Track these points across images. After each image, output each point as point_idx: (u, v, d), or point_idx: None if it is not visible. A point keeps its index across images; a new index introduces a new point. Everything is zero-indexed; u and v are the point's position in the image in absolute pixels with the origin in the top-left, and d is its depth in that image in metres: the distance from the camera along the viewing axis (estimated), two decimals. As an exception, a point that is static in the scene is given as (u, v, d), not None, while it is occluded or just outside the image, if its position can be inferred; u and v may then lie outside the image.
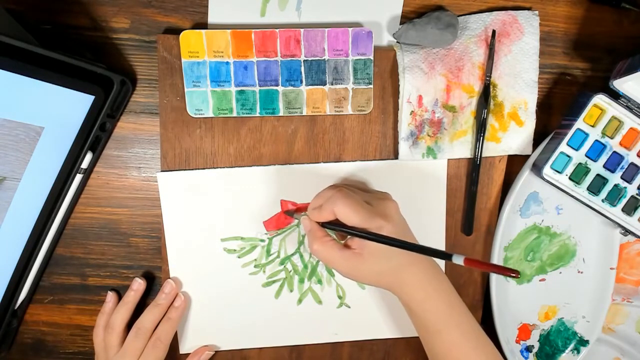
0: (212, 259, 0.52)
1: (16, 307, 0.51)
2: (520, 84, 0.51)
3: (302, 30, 0.48)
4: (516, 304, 0.55)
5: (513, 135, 0.51)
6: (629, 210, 0.50)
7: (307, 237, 0.45)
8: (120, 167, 0.51)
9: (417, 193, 0.52)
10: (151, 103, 0.50)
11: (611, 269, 0.55)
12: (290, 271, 0.53)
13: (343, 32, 0.48)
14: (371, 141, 0.52)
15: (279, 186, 0.51)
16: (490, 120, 0.51)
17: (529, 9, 0.51)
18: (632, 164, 0.50)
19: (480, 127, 0.50)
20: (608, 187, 0.50)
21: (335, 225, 0.44)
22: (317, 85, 0.50)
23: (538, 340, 0.57)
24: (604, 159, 0.50)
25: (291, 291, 0.53)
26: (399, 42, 0.50)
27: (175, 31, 0.49)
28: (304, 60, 0.49)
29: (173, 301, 0.51)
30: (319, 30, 0.48)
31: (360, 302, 0.54)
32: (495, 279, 0.53)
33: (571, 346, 0.57)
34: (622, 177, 0.50)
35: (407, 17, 0.50)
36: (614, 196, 0.50)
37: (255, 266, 0.52)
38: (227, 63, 0.48)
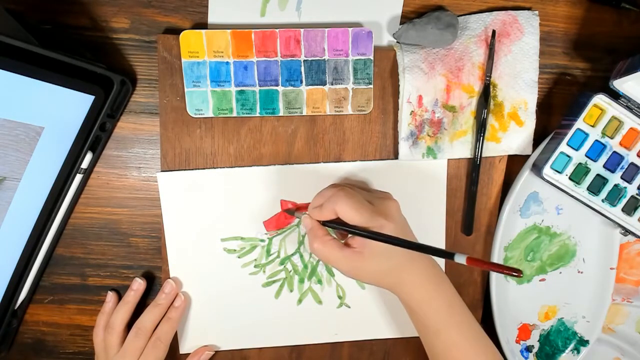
0: (212, 259, 0.52)
1: (16, 307, 0.51)
2: (520, 84, 0.51)
3: (302, 30, 0.48)
4: (516, 304, 0.55)
5: (513, 135, 0.51)
6: (629, 210, 0.50)
7: (307, 236, 0.45)
8: (120, 167, 0.51)
9: (417, 193, 0.52)
10: (151, 103, 0.50)
11: (611, 269, 0.55)
12: (290, 271, 0.53)
13: (343, 32, 0.48)
14: (371, 141, 0.52)
15: (279, 186, 0.51)
16: (490, 120, 0.51)
17: (529, 9, 0.51)
18: (632, 164, 0.50)
19: (480, 127, 0.50)
20: (608, 187, 0.50)
21: (336, 224, 0.43)
22: (317, 85, 0.50)
23: (538, 340, 0.57)
24: (604, 159, 0.50)
25: (291, 291, 0.53)
26: (399, 42, 0.50)
27: (175, 31, 0.49)
28: (304, 60, 0.49)
29: (173, 301, 0.51)
30: (319, 30, 0.48)
31: (360, 302, 0.54)
32: (495, 278, 0.53)
33: (571, 346, 0.57)
34: (622, 177, 0.50)
35: (407, 17, 0.50)
36: (614, 196, 0.50)
37: (255, 266, 0.52)
38: (227, 63, 0.48)
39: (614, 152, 0.49)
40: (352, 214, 0.42)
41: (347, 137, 0.51)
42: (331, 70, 0.49)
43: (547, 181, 0.49)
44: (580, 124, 0.49)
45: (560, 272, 0.56)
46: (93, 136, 0.48)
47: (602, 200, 0.50)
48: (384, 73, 0.51)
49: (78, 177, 0.49)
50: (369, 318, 0.55)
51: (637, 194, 0.50)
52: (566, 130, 0.49)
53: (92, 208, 0.52)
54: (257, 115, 0.50)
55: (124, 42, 0.49)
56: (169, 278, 0.52)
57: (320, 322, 0.54)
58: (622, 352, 0.56)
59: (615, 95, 0.48)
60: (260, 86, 0.49)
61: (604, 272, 0.56)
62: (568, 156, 0.49)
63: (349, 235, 0.44)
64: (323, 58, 0.49)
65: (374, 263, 0.43)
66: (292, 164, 0.51)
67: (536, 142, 0.51)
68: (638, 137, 0.49)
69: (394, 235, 0.41)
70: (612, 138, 0.49)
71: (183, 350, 0.53)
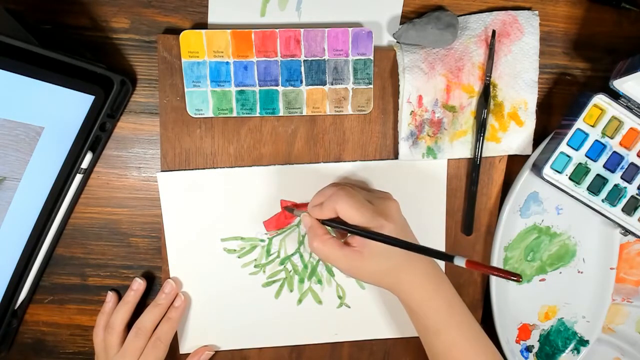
0: (212, 259, 0.52)
1: (16, 307, 0.51)
2: (520, 84, 0.51)
3: (302, 30, 0.48)
4: (516, 304, 0.55)
5: (513, 135, 0.51)
6: (629, 210, 0.50)
7: (307, 235, 0.45)
8: (120, 167, 0.51)
9: (417, 193, 0.52)
10: (151, 103, 0.50)
11: (611, 269, 0.55)
12: (290, 271, 0.53)
13: (343, 32, 0.48)
14: (371, 141, 0.52)
15: (279, 186, 0.51)
16: (490, 120, 0.51)
17: (529, 9, 0.51)
18: (632, 164, 0.50)
19: (480, 127, 0.50)
20: (608, 187, 0.50)
21: (336, 223, 0.43)
22: (317, 85, 0.50)
23: (538, 340, 0.57)
24: (604, 159, 0.50)
25: (291, 291, 0.53)
26: (399, 42, 0.50)
27: (175, 31, 0.49)
28: (304, 60, 0.49)
29: (173, 301, 0.51)
30: (319, 30, 0.48)
31: (360, 302, 0.54)
32: (495, 279, 0.53)
33: (571, 346, 0.57)
34: (622, 177, 0.50)
35: (407, 17, 0.50)
36: (614, 196, 0.50)
37: (255, 266, 0.52)
38: (227, 63, 0.48)
39: (614, 152, 0.49)
40: (352, 214, 0.42)
41: (347, 137, 0.51)
42: (331, 70, 0.49)
43: (547, 181, 0.49)
44: (580, 124, 0.49)
45: (560, 272, 0.56)
46: (93, 136, 0.48)
47: (602, 200, 0.50)
48: (384, 73, 0.51)
49: (78, 177, 0.49)
50: (369, 318, 0.55)
51: (637, 194, 0.50)
52: (566, 130, 0.49)
53: (92, 208, 0.52)
54: (257, 115, 0.50)
55: (124, 42, 0.49)
56: (169, 278, 0.52)
57: (320, 322, 0.54)
58: (622, 352, 0.56)
59: (615, 95, 0.48)
60: (260, 86, 0.49)
61: (604, 272, 0.56)
62: (568, 156, 0.49)
63: (349, 234, 0.44)
64: (323, 58, 0.49)
65: (373, 263, 0.43)
66: (292, 164, 0.51)
67: (536, 142, 0.51)
68: (638, 137, 0.49)
69: (394, 236, 0.41)
70: (612, 138, 0.49)
71: (183, 350, 0.53)
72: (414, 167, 0.52)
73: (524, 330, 0.56)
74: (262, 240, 0.52)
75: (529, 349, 0.56)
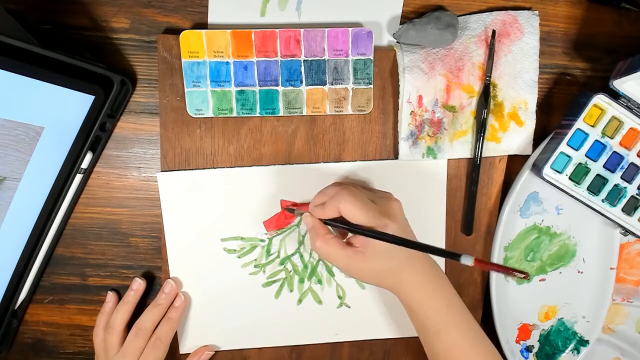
0: (212, 259, 0.52)
1: (16, 307, 0.51)
2: (520, 84, 0.51)
3: (302, 30, 0.48)
4: (516, 304, 0.55)
5: (513, 135, 0.51)
6: (629, 210, 0.50)
7: (309, 235, 0.45)
8: (120, 167, 0.51)
9: (417, 193, 0.52)
10: (151, 103, 0.50)
11: (611, 269, 0.55)
12: (290, 271, 0.53)
13: (343, 32, 0.48)
14: (371, 141, 0.52)
15: (279, 186, 0.51)
16: (490, 120, 0.51)
17: (529, 9, 0.51)
18: (632, 164, 0.50)
19: (480, 127, 0.50)
20: (608, 187, 0.50)
21: (338, 223, 0.43)
22: (317, 85, 0.50)
23: (538, 340, 0.57)
24: (604, 159, 0.50)
25: (291, 291, 0.53)
26: (399, 42, 0.50)
27: (175, 31, 0.49)
28: (304, 60, 0.49)
29: (173, 301, 0.51)
30: (319, 30, 0.48)
31: (360, 302, 0.54)
32: (495, 279, 0.53)
33: (571, 346, 0.57)
34: (622, 177, 0.50)
35: (407, 17, 0.50)
36: (614, 196, 0.50)
37: (255, 266, 0.52)
38: (227, 63, 0.48)
39: (614, 152, 0.49)
40: (356, 213, 0.41)
41: (347, 137, 0.51)
42: (331, 70, 0.49)
43: (547, 181, 0.49)
44: (580, 124, 0.49)
45: (560, 272, 0.56)
46: (93, 136, 0.48)
47: (602, 200, 0.50)
48: (384, 73, 0.51)
49: (78, 177, 0.49)
50: (369, 318, 0.55)
51: (637, 194, 0.50)
52: (566, 130, 0.49)
53: (92, 208, 0.52)
54: (257, 115, 0.50)
55: (124, 42, 0.49)
56: (169, 278, 0.52)
57: (320, 322, 0.54)
58: (622, 352, 0.56)
59: (615, 95, 0.48)
60: (260, 86, 0.49)
61: (604, 272, 0.56)
62: (568, 156, 0.49)
63: (350, 234, 0.44)
64: (323, 58, 0.49)
65: (375, 262, 0.43)
66: (292, 164, 0.51)
67: (536, 142, 0.51)
68: (638, 137, 0.49)
69: (398, 235, 0.40)
70: (612, 138, 0.49)
71: (183, 350, 0.53)
72: (414, 167, 0.52)
73: (524, 330, 0.56)
74: (262, 240, 0.52)
75: (529, 349, 0.56)
